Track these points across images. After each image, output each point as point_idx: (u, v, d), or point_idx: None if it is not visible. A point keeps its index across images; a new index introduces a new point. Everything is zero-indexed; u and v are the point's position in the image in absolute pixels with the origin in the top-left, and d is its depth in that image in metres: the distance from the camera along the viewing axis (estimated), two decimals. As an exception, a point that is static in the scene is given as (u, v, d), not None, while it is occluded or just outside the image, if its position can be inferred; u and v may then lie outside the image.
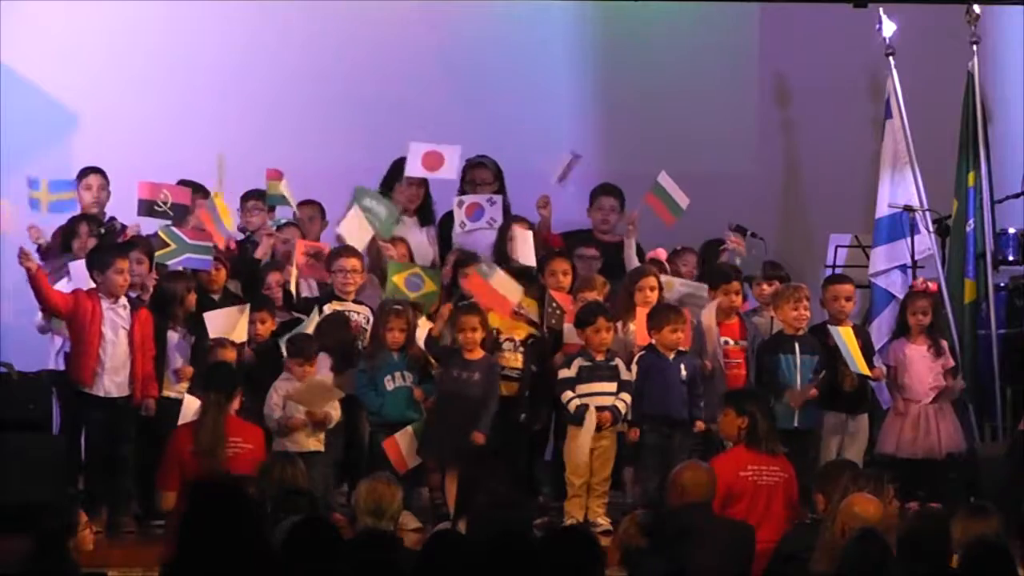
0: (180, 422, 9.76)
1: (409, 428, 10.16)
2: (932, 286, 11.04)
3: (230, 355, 10.06)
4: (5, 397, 10.38)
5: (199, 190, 11.12)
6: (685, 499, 8.14)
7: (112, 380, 10.08)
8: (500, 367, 10.39)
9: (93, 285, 10.14)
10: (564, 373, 10.27)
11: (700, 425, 10.23)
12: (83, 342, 10.08)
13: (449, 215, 11.67)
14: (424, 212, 11.53)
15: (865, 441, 10.73)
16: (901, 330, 10.95)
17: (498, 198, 11.33)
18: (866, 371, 10.46)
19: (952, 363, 10.88)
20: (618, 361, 10.30)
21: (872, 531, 6.91)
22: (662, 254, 11.14)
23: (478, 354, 10.30)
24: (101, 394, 10.07)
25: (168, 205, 10.85)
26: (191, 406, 9.79)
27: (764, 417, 9.35)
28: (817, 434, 10.54)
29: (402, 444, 10.13)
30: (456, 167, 11.23)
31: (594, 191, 11.62)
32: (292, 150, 11.89)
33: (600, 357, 10.26)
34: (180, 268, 10.53)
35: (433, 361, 10.41)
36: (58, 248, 10.93)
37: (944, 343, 10.89)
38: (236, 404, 9.59)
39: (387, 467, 9.72)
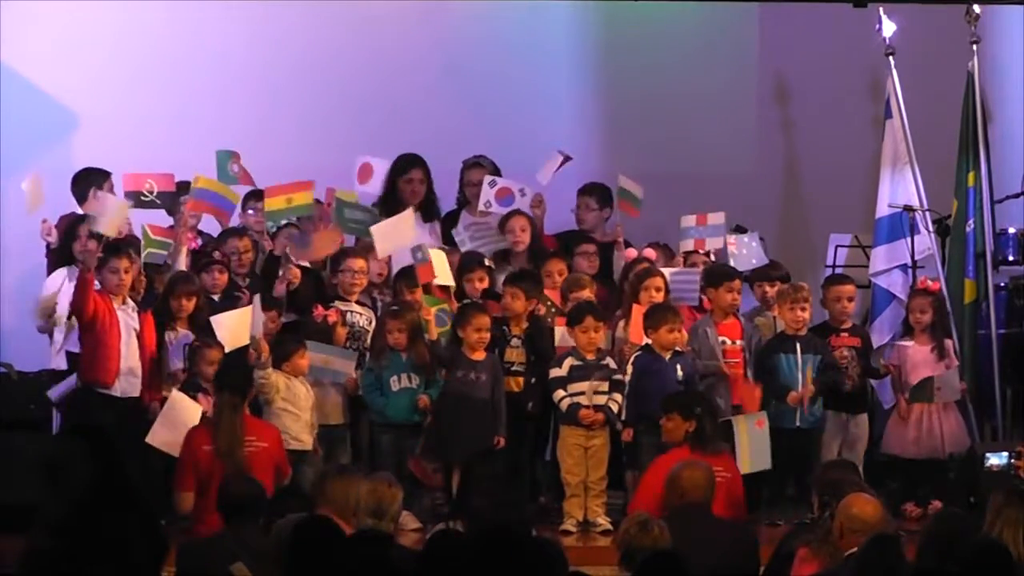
0: (160, 418, 9.77)
1: (424, 440, 10.17)
2: (934, 285, 11.04)
3: (215, 355, 10.05)
4: (5, 397, 10.38)
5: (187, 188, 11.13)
6: (684, 499, 8.14)
7: (129, 381, 10.09)
8: (509, 363, 10.43)
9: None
10: (555, 372, 10.29)
11: None
12: (102, 343, 10.07)
13: (451, 213, 11.69)
14: (427, 208, 11.52)
15: (866, 441, 10.74)
16: (906, 328, 10.97)
17: (530, 190, 11.32)
18: (746, 470, 10.11)
19: (955, 363, 10.88)
20: (609, 360, 10.32)
21: (887, 535, 6.90)
22: (652, 254, 11.14)
23: (482, 354, 10.32)
24: (118, 394, 10.06)
25: (154, 194, 10.85)
26: (177, 403, 9.79)
27: (710, 418, 9.44)
28: (818, 434, 10.54)
29: (425, 458, 10.15)
30: (380, 182, 11.24)
31: (578, 191, 11.65)
32: (292, 150, 11.90)
33: (591, 356, 10.28)
34: (184, 270, 10.58)
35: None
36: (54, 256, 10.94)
37: (948, 344, 10.89)
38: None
39: (387, 467, 9.74)
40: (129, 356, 10.09)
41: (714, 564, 7.56)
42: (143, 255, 10.49)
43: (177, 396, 9.90)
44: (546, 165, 11.43)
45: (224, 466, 9.27)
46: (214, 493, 8.95)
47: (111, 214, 10.37)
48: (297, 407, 10.11)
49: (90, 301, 10.00)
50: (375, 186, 11.30)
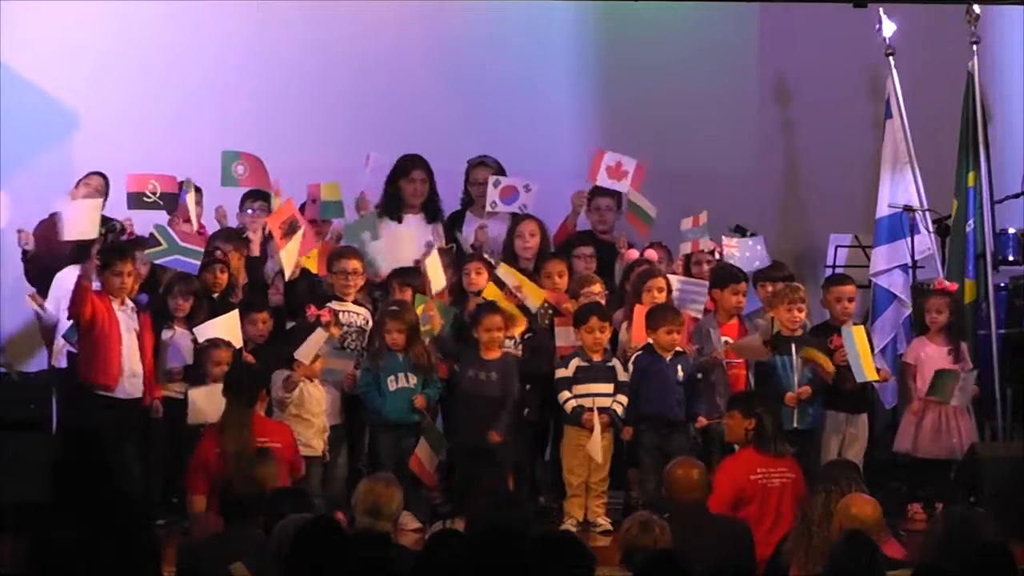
0: (190, 418, 9.80)
1: (423, 440, 10.13)
2: (951, 286, 11.02)
3: (224, 355, 10.05)
4: (5, 397, 10.38)
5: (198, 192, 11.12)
6: (679, 497, 8.12)
7: (131, 382, 10.08)
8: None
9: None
10: (561, 373, 10.29)
11: (702, 421, 10.22)
12: (102, 346, 10.03)
13: (456, 213, 11.69)
14: (430, 208, 11.52)
15: (865, 441, 10.73)
16: (920, 328, 10.96)
17: (535, 186, 11.32)
18: (874, 376, 10.41)
19: (970, 366, 10.88)
20: (615, 362, 10.32)
21: (860, 532, 6.91)
22: (654, 255, 11.14)
23: (496, 353, 10.32)
24: (122, 396, 10.04)
25: (157, 195, 10.81)
26: (199, 399, 9.80)
27: (771, 418, 9.32)
28: (817, 434, 10.53)
29: (423, 457, 10.11)
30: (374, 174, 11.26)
31: (591, 191, 11.64)
32: (292, 150, 11.89)
33: (597, 357, 10.27)
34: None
35: (437, 361, 10.43)
36: (70, 251, 10.90)
37: (964, 347, 10.88)
38: (262, 405, 9.62)
39: (388, 467, 9.74)
40: (130, 357, 10.08)
41: (711, 562, 7.55)
42: (166, 259, 10.45)
43: (194, 393, 9.90)
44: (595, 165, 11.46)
45: (232, 468, 9.21)
46: None
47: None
48: (310, 412, 10.12)
49: (87, 306, 9.98)
50: (369, 177, 11.26)
